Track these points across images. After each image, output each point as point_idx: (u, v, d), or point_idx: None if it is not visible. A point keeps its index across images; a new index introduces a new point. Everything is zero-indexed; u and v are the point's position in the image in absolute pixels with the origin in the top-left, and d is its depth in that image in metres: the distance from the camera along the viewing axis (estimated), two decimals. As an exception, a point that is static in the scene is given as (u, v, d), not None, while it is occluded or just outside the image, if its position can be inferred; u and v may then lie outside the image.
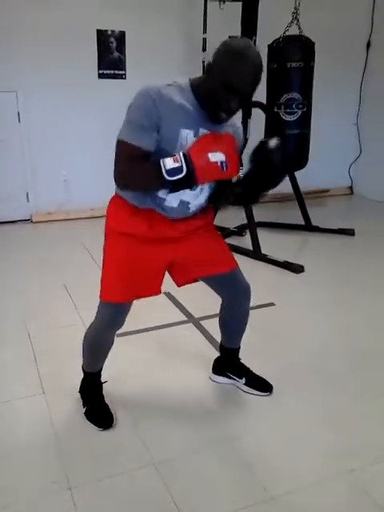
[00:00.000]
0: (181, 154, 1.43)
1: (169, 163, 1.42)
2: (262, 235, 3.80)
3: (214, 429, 1.87)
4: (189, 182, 1.44)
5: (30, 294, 3.03)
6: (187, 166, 1.41)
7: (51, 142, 4.41)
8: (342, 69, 5.25)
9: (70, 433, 1.85)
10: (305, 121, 3.92)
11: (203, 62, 4.07)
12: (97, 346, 1.89)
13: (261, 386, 2.07)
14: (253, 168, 1.60)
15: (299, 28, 3.82)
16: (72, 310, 2.81)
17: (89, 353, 1.91)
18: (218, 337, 2.48)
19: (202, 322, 2.68)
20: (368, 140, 5.52)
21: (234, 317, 1.98)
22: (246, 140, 1.83)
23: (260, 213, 4.31)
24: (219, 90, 1.44)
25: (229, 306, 1.95)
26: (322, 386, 2.13)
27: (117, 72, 4.46)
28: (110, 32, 4.33)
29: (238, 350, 2.09)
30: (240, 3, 3.75)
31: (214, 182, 1.61)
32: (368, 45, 5.35)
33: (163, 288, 2.93)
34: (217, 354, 2.36)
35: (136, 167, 1.50)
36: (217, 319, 2.67)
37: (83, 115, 4.44)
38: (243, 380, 2.08)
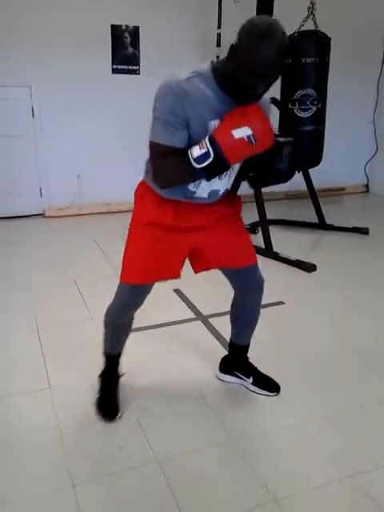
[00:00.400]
0: (206, 138, 1.40)
1: (196, 151, 1.40)
2: (275, 233, 3.77)
3: (219, 428, 1.85)
4: (221, 165, 1.41)
5: (39, 289, 3.04)
6: (214, 148, 1.37)
7: (65, 137, 4.43)
8: (359, 65, 5.17)
9: (75, 429, 1.85)
10: (319, 117, 3.86)
11: (217, 57, 4.04)
12: (115, 325, 1.92)
13: (268, 385, 2.05)
14: (262, 164, 1.58)
15: (315, 23, 3.76)
16: (81, 306, 2.81)
17: (108, 332, 1.94)
18: (226, 335, 2.47)
19: (211, 320, 2.66)
20: (385, 138, 5.44)
21: (244, 310, 1.97)
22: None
23: (273, 210, 4.28)
24: (243, 72, 1.35)
25: (240, 298, 1.94)
26: (329, 387, 2.10)
27: (131, 67, 4.45)
28: (124, 27, 4.32)
29: (246, 347, 2.07)
30: (255, -2, 3.70)
31: (248, 158, 1.49)
32: (386, 41, 5.26)
33: (173, 285, 2.95)
34: (225, 352, 2.34)
35: (169, 165, 1.49)
36: (226, 317, 2.67)
37: (97, 110, 4.45)
38: (251, 379, 2.06)
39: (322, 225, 4.31)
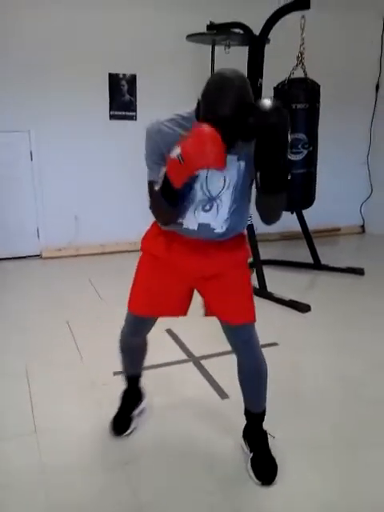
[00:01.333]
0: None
1: (159, 176, 1.50)
2: (269, 273, 3.77)
3: (208, 479, 1.80)
4: (169, 185, 1.46)
5: (32, 330, 3.02)
6: (164, 174, 1.47)
7: (63, 179, 4.51)
8: (352, 109, 5.31)
9: (59, 476, 1.80)
10: (311, 160, 3.94)
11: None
12: (127, 349, 2.01)
13: (262, 472, 1.79)
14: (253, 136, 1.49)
15: (304, 71, 3.90)
16: (72, 349, 2.79)
17: (122, 355, 2.03)
18: (218, 378, 2.45)
19: (203, 362, 2.64)
20: (379, 179, 5.52)
21: (239, 372, 1.86)
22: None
23: (267, 251, 4.30)
24: (203, 116, 1.47)
25: (237, 358, 1.85)
26: (320, 434, 2.05)
27: (127, 113, 4.58)
28: (121, 75, 4.48)
29: (254, 415, 1.88)
30: (246, 47, 3.85)
31: (186, 177, 1.45)
32: (377, 86, 5.43)
33: (164, 325, 2.93)
34: (217, 397, 2.31)
35: (155, 200, 1.57)
36: (218, 359, 2.66)
37: (94, 154, 4.55)
38: (251, 455, 1.85)
39: (316, 265, 4.32)
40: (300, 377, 2.51)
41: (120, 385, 2.36)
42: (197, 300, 1.85)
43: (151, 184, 1.58)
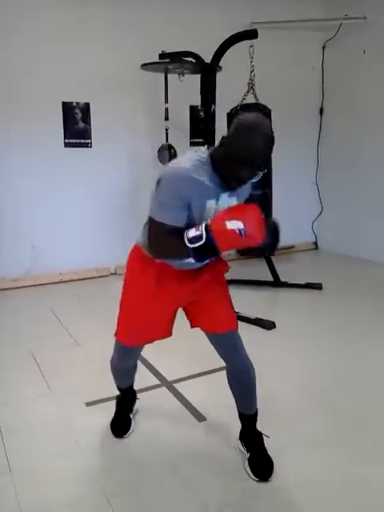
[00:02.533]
0: (203, 224, 1.56)
1: (191, 233, 1.56)
2: (232, 292, 3.80)
3: (192, 502, 1.78)
4: (211, 249, 1.54)
5: (-5, 365, 2.91)
6: (206, 233, 1.52)
7: (18, 207, 4.42)
8: (300, 132, 5.57)
9: (39, 514, 1.73)
10: (266, 181, 4.08)
11: (166, 129, 4.24)
12: (118, 372, 2.14)
13: (259, 470, 1.89)
14: None
15: (255, 96, 4.06)
16: (40, 380, 2.70)
17: (114, 376, 2.16)
18: (193, 400, 2.44)
19: (176, 386, 2.62)
20: (328, 197, 5.77)
21: (231, 378, 1.96)
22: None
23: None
24: (230, 161, 1.55)
25: (227, 367, 1.95)
26: (292, 447, 2.07)
27: (82, 141, 4.58)
28: (75, 104, 4.49)
29: (247, 417, 1.98)
30: (198, 75, 3.96)
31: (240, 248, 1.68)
32: (321, 110, 5.71)
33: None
34: (194, 420, 2.30)
35: (167, 242, 1.64)
36: (191, 381, 2.66)
37: (50, 182, 4.50)
38: (248, 455, 1.95)
39: (276, 282, 4.42)
40: (273, 392, 2.53)
41: (93, 415, 2.33)
42: (180, 314, 1.93)
43: (164, 226, 1.61)
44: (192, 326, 1.93)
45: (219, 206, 1.66)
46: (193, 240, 1.54)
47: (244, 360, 1.90)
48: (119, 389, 2.24)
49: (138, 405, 2.32)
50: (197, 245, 1.53)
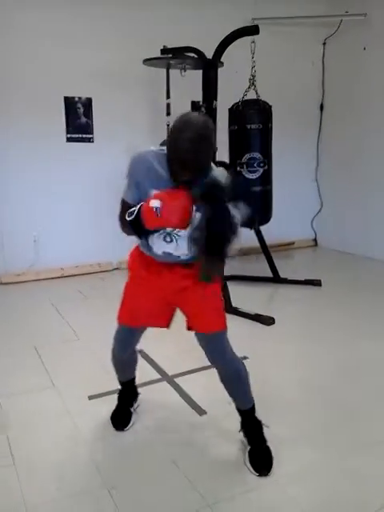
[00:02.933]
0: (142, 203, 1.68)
1: (132, 208, 1.70)
2: (232, 288, 3.85)
3: (193, 493, 1.82)
4: (139, 224, 1.66)
5: (-2, 359, 2.94)
6: (138, 209, 1.66)
7: (20, 202, 4.44)
8: (300, 128, 5.58)
9: (41, 507, 1.76)
10: (266, 178, 4.10)
11: (167, 125, 4.25)
12: (118, 362, 2.16)
13: (259, 463, 1.92)
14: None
15: (256, 93, 4.08)
16: (43, 374, 2.74)
17: (115, 367, 2.19)
18: (193, 395, 2.48)
19: (177, 380, 2.65)
20: (327, 194, 5.79)
21: (222, 379, 1.98)
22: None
23: (227, 266, 4.38)
24: (171, 163, 1.64)
25: (216, 369, 1.98)
26: (291, 441, 2.11)
27: (84, 136, 4.60)
28: (77, 99, 4.50)
29: (243, 411, 2.01)
30: (200, 70, 3.97)
31: (161, 228, 1.72)
32: (321, 107, 5.72)
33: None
34: (196, 414, 2.33)
35: (123, 217, 1.75)
36: (192, 376, 2.69)
37: (52, 177, 4.52)
38: (248, 448, 1.98)
39: (276, 278, 4.45)
40: (274, 387, 2.57)
41: (96, 409, 2.36)
42: (178, 315, 1.97)
43: (123, 202, 1.80)
44: (187, 328, 1.96)
45: None
46: (129, 214, 1.68)
47: (230, 362, 1.93)
48: (120, 382, 2.27)
49: (140, 400, 2.34)
50: (130, 219, 1.67)
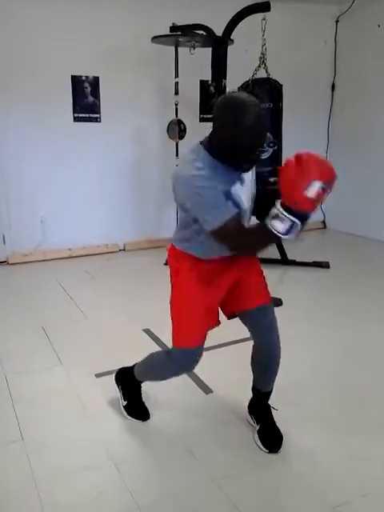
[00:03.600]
0: (281, 210, 1.46)
1: (279, 227, 1.47)
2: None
3: (200, 470, 1.83)
4: (305, 221, 1.48)
5: (6, 337, 2.96)
6: (297, 217, 1.45)
7: (27, 183, 4.43)
8: (311, 109, 5.49)
9: (50, 481, 1.78)
10: (276, 158, 4.05)
11: (176, 104, 4.20)
12: (161, 376, 2.05)
13: (269, 440, 1.93)
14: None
15: (267, 71, 4.00)
16: (50, 352, 2.76)
17: (144, 372, 2.08)
18: (201, 375, 2.48)
19: (183, 359, 2.66)
20: (337, 175, 5.70)
21: (256, 356, 1.95)
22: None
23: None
24: (239, 151, 1.49)
25: (255, 344, 1.94)
26: (299, 422, 2.11)
27: (92, 115, 4.55)
28: (84, 77, 4.45)
29: (262, 394, 2.00)
30: (209, 48, 3.91)
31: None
32: (333, 87, 5.61)
33: (142, 325, 2.95)
34: (202, 392, 2.34)
35: (248, 237, 1.62)
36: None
37: (59, 157, 4.49)
38: (258, 427, 1.99)
39: (284, 260, 4.42)
40: (281, 368, 2.56)
41: (103, 387, 2.37)
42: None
43: (232, 221, 1.53)
44: (226, 313, 1.91)
45: (246, 183, 1.64)
46: (288, 232, 1.46)
47: (275, 342, 1.89)
48: (140, 381, 2.16)
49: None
50: (294, 233, 1.46)
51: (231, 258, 1.76)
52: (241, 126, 1.44)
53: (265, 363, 1.94)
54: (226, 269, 1.78)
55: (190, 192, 1.55)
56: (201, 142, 1.62)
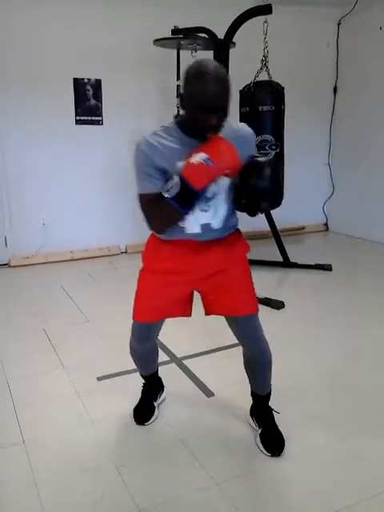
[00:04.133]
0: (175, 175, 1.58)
1: (168, 185, 1.59)
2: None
3: (202, 473, 1.82)
4: (189, 191, 1.55)
5: (7, 340, 2.96)
6: (180, 178, 1.54)
7: (29, 186, 4.44)
8: (313, 111, 5.49)
9: (51, 484, 1.78)
10: (278, 161, 4.04)
11: (178, 107, 4.20)
12: (138, 355, 2.09)
13: (271, 444, 1.92)
14: (248, 188, 1.65)
15: (269, 74, 4.00)
16: (52, 355, 2.75)
17: (135, 361, 2.13)
18: (203, 377, 2.48)
19: (185, 362, 2.66)
20: (340, 178, 5.71)
21: (246, 360, 1.95)
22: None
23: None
24: (193, 114, 1.54)
25: (243, 350, 1.95)
26: (301, 423, 2.10)
27: (94, 118, 4.56)
28: (86, 80, 4.46)
29: (260, 397, 2.00)
30: (211, 51, 3.91)
31: (214, 180, 1.60)
32: (335, 90, 5.61)
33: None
34: (203, 395, 2.34)
35: (155, 209, 1.65)
36: (201, 358, 2.70)
37: (61, 160, 4.50)
38: (259, 430, 1.98)
39: (286, 263, 4.42)
40: (283, 371, 2.55)
41: (104, 390, 2.37)
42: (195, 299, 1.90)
43: (146, 196, 1.64)
44: (207, 313, 1.89)
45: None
46: (170, 191, 1.57)
47: (260, 344, 1.89)
48: (143, 376, 2.20)
49: (166, 394, 2.29)
50: (174, 193, 1.55)
51: (203, 246, 1.73)
52: (191, 84, 1.52)
53: (254, 367, 1.95)
54: (194, 256, 1.74)
55: (133, 155, 1.64)
56: (174, 117, 1.69)
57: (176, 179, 1.55)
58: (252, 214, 1.74)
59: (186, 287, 1.83)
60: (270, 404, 2.03)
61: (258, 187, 1.62)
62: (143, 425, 2.10)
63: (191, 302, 1.89)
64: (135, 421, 2.11)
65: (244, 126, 1.75)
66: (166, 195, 1.58)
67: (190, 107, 1.55)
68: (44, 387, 2.43)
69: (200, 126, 1.55)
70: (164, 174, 1.62)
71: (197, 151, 1.54)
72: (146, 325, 1.93)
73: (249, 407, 2.09)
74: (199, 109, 1.51)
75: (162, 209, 1.62)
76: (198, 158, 1.51)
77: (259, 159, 1.64)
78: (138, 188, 1.67)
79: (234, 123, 1.73)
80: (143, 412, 2.14)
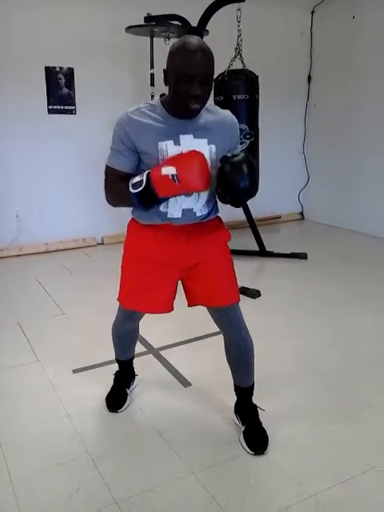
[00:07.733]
0: (147, 171, 1.58)
1: (135, 178, 1.60)
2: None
3: (178, 462, 1.83)
4: (150, 195, 1.57)
5: (-19, 334, 2.91)
6: (146, 179, 1.55)
7: (1, 177, 4.34)
8: (287, 100, 5.51)
9: (27, 478, 1.76)
10: (253, 150, 4.04)
11: (152, 95, 4.16)
12: (119, 336, 2.11)
13: (254, 442, 1.89)
14: (219, 181, 1.65)
15: (242, 62, 3.99)
16: (27, 348, 2.72)
17: (115, 341, 2.14)
18: (180, 368, 2.48)
19: (162, 353, 2.65)
20: (314, 167, 5.75)
21: (229, 351, 1.93)
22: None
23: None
24: (177, 85, 1.54)
25: (224, 340, 1.93)
26: (278, 411, 2.12)
27: (67, 107, 4.48)
28: (58, 69, 4.37)
29: (243, 390, 1.97)
30: (185, 40, 3.86)
31: (177, 195, 1.62)
32: (309, 78, 5.63)
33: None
34: (180, 385, 2.34)
35: (115, 187, 1.69)
36: (178, 349, 2.69)
37: (34, 149, 4.42)
38: (243, 428, 1.94)
39: (262, 252, 4.44)
40: (261, 361, 2.57)
41: (80, 382, 2.35)
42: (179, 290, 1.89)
43: (111, 169, 1.69)
44: (190, 304, 1.88)
45: (182, 148, 1.61)
46: (135, 185, 1.58)
47: (243, 334, 1.88)
48: (118, 361, 2.21)
49: (137, 381, 2.31)
50: (137, 190, 1.57)
51: (185, 233, 1.72)
52: (174, 56, 1.54)
53: (236, 356, 1.93)
54: (175, 244, 1.73)
55: (114, 125, 1.67)
56: (160, 95, 1.71)
57: (143, 179, 1.56)
58: (235, 206, 1.75)
59: (168, 274, 1.80)
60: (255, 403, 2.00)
61: (239, 187, 1.61)
62: (116, 412, 2.12)
63: (174, 295, 1.86)
64: (108, 408, 2.13)
65: (228, 114, 1.74)
66: (130, 189, 1.59)
67: (174, 79, 1.54)
68: (19, 381, 2.39)
69: (183, 97, 1.54)
70: (136, 152, 1.64)
71: (171, 159, 1.56)
72: (124, 309, 1.96)
73: (226, 397, 2.09)
74: (182, 77, 1.51)
75: (122, 192, 1.63)
76: (167, 171, 1.52)
77: (235, 159, 1.61)
78: (108, 160, 1.71)
79: (220, 109, 1.73)
80: (116, 399, 2.16)
